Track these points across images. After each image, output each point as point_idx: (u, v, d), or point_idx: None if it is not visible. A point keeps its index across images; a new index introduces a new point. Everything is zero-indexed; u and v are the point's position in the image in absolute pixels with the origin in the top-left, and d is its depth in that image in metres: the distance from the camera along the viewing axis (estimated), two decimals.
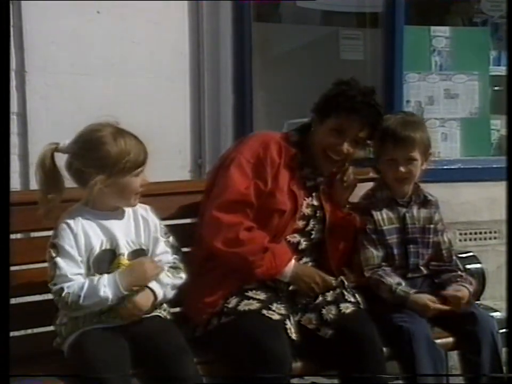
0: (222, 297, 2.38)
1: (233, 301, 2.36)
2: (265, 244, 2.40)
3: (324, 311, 2.41)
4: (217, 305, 2.37)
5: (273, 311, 2.31)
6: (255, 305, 2.33)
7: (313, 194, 2.59)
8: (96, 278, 2.16)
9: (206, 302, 2.38)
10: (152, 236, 2.33)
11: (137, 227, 2.32)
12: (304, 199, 2.55)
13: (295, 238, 2.53)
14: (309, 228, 2.56)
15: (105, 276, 2.17)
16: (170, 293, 2.28)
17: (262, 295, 2.38)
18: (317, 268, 2.54)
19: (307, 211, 2.55)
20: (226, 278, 2.40)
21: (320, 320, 2.39)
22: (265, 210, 2.45)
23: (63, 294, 2.13)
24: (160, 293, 2.24)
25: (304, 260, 2.55)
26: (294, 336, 2.29)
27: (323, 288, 2.46)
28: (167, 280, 2.27)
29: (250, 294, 2.38)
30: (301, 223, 2.54)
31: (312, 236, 2.57)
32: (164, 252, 2.34)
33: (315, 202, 2.59)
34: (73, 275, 2.16)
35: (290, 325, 2.31)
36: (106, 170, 2.17)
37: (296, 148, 2.56)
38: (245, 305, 2.33)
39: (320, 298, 2.46)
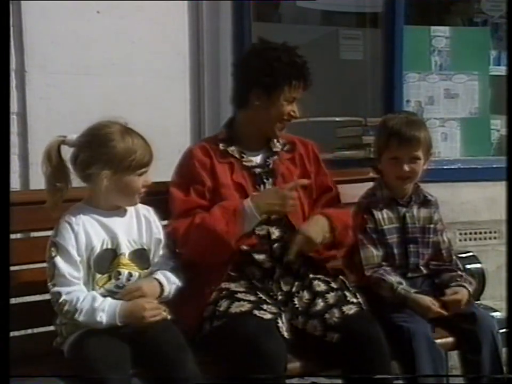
0: (210, 302, 2.37)
1: (224, 304, 2.35)
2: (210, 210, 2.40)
3: (327, 315, 2.37)
4: (206, 309, 2.37)
5: (265, 310, 2.30)
6: (246, 306, 2.32)
7: (267, 181, 2.56)
8: (98, 300, 2.15)
9: (195, 307, 2.37)
10: (154, 237, 2.33)
11: (139, 227, 2.32)
12: (256, 188, 2.53)
13: (263, 229, 2.48)
14: (274, 216, 2.50)
15: (107, 301, 2.16)
16: (171, 293, 2.29)
17: (252, 297, 2.37)
18: (302, 263, 2.52)
19: None
20: (209, 280, 2.40)
21: (324, 326, 2.36)
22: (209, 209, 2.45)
23: (60, 300, 2.14)
24: (166, 288, 2.26)
25: (279, 249, 2.49)
26: (286, 334, 2.27)
27: (291, 198, 2.40)
28: (173, 279, 2.28)
29: (240, 296, 2.37)
30: None
31: (284, 222, 2.51)
32: (165, 254, 2.35)
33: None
34: (72, 277, 2.16)
35: (282, 324, 2.29)
36: (112, 167, 2.18)
37: (227, 142, 2.57)
38: (236, 307, 2.32)
39: (322, 303, 2.42)
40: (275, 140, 2.63)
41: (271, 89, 2.51)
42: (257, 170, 2.57)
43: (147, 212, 2.36)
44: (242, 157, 2.57)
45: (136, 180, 2.23)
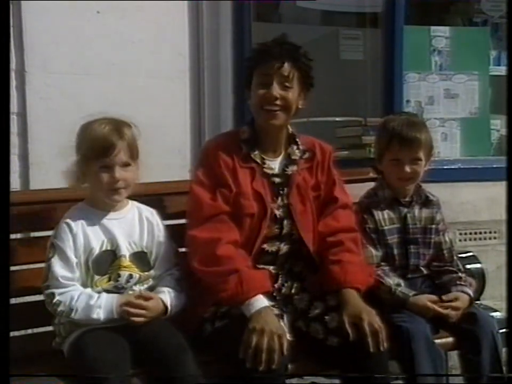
0: (212, 303, 2.35)
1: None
2: (235, 266, 2.27)
3: (327, 319, 2.35)
4: (208, 310, 2.36)
5: None
6: None
7: (282, 191, 2.50)
8: (94, 297, 2.15)
9: (197, 308, 2.36)
10: (156, 240, 2.33)
11: (141, 229, 2.32)
12: (274, 199, 2.47)
13: (274, 245, 2.45)
14: (285, 230, 2.47)
15: (103, 297, 2.17)
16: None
17: None
18: (303, 268, 2.50)
19: (278, 212, 2.47)
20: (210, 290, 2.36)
21: (326, 330, 2.34)
22: (235, 217, 2.40)
23: (54, 300, 2.15)
24: (169, 311, 2.25)
25: (289, 264, 2.50)
26: (288, 335, 2.24)
27: (270, 346, 2.14)
28: (178, 302, 2.28)
29: None
30: (275, 227, 2.45)
31: (293, 237, 2.48)
32: (167, 257, 2.34)
33: (286, 201, 2.50)
34: (66, 280, 2.16)
35: (283, 325, 2.28)
36: (79, 158, 2.20)
37: (250, 144, 2.51)
38: (238, 308, 2.30)
39: (321, 305, 2.40)
40: (294, 147, 2.57)
41: (248, 78, 2.51)
42: (276, 179, 2.51)
43: (150, 214, 2.35)
44: (264, 163, 2.50)
45: (102, 174, 2.19)
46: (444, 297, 2.56)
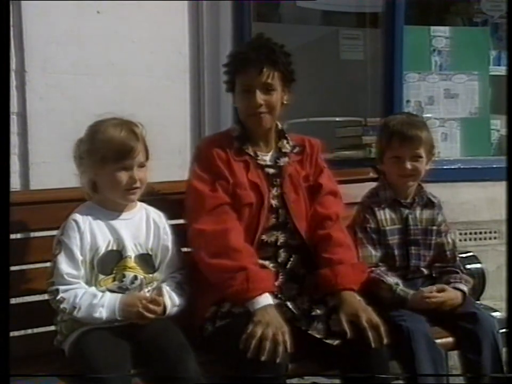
0: (213, 302, 2.35)
1: (227, 304, 2.34)
2: (243, 264, 2.30)
3: (331, 320, 2.34)
4: (209, 310, 2.35)
5: None
6: None
7: (276, 182, 2.52)
8: (98, 296, 2.15)
9: (198, 308, 2.36)
10: (162, 243, 2.33)
11: (147, 231, 2.31)
12: (269, 189, 2.50)
13: (272, 235, 2.47)
14: (281, 220, 2.49)
15: (107, 296, 2.17)
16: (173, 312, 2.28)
17: None
18: (299, 258, 2.50)
19: (274, 202, 2.49)
20: (213, 287, 2.36)
21: (327, 330, 2.33)
22: (234, 208, 2.42)
23: (58, 297, 2.15)
24: (169, 311, 2.24)
25: (285, 254, 2.50)
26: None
27: (276, 338, 2.15)
28: (177, 301, 2.27)
29: None
30: (272, 217, 2.48)
31: (288, 226, 2.50)
32: (172, 261, 2.34)
33: (280, 191, 2.52)
34: (71, 277, 2.16)
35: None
36: (92, 160, 2.19)
37: (241, 140, 2.54)
38: (238, 308, 2.30)
39: (323, 307, 2.39)
40: (284, 141, 2.60)
41: (230, 82, 2.53)
42: (270, 170, 2.54)
43: (158, 217, 2.35)
44: (257, 156, 2.54)
45: (118, 174, 2.20)
46: (434, 288, 2.57)
